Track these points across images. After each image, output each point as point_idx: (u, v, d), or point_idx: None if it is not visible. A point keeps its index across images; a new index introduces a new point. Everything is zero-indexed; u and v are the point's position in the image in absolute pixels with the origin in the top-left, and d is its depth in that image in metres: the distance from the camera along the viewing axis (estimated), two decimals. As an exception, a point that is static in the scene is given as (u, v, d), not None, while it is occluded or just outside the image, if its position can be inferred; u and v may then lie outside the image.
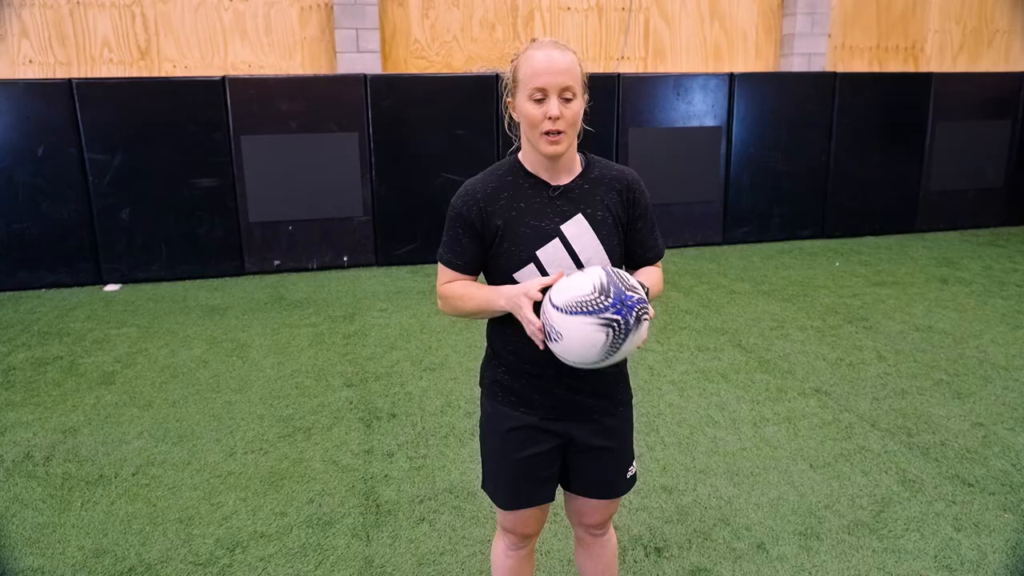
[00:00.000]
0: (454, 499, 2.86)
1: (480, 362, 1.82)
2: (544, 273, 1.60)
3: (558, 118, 1.52)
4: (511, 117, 1.65)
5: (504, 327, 1.68)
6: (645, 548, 2.53)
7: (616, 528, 2.64)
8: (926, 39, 8.72)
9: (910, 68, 8.75)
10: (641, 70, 8.00)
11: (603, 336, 1.40)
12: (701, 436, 3.37)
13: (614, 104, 7.13)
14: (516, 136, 1.68)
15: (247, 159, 6.40)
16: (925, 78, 7.92)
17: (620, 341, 1.41)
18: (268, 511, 2.81)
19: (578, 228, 1.61)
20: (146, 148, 6.19)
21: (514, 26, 7.54)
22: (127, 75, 6.76)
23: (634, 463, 1.82)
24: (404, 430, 3.48)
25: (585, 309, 1.39)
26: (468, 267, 1.67)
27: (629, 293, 1.41)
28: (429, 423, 3.55)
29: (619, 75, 7.12)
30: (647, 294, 1.51)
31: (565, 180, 1.64)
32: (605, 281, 1.41)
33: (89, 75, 6.68)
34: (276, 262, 6.68)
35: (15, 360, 4.50)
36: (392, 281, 6.40)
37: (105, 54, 6.71)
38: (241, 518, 2.76)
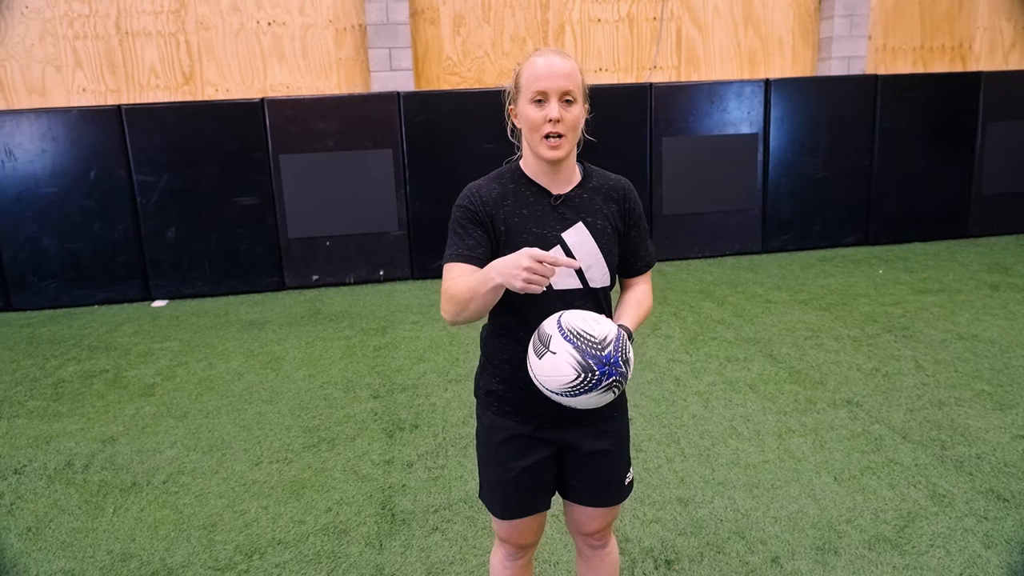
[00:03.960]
0: (468, 509, 2.88)
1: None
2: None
3: (558, 120, 1.54)
4: (513, 125, 1.68)
5: (499, 335, 1.70)
6: (655, 560, 2.50)
7: (627, 540, 2.62)
8: (974, 37, 8.43)
9: (958, 68, 8.46)
10: (674, 79, 7.95)
11: (612, 394, 1.47)
12: (723, 448, 3.32)
13: (647, 114, 7.10)
14: (517, 144, 1.71)
15: (285, 177, 6.59)
16: (974, 77, 7.65)
17: (626, 381, 1.48)
18: (287, 519, 2.88)
19: (579, 236, 1.63)
20: (190, 169, 6.45)
21: (545, 40, 7.60)
22: (173, 100, 7.06)
23: (631, 470, 1.81)
24: (425, 441, 3.52)
25: (584, 389, 1.43)
26: (481, 260, 1.58)
27: (607, 351, 1.43)
28: (450, 434, 3.58)
29: (651, 85, 7.09)
30: (630, 334, 1.56)
31: (565, 189, 1.66)
32: (581, 357, 1.42)
33: (137, 101, 7.01)
34: (314, 277, 6.84)
35: (65, 373, 4.73)
36: (426, 294, 6.48)
37: (152, 80, 7.03)
38: (261, 525, 2.84)
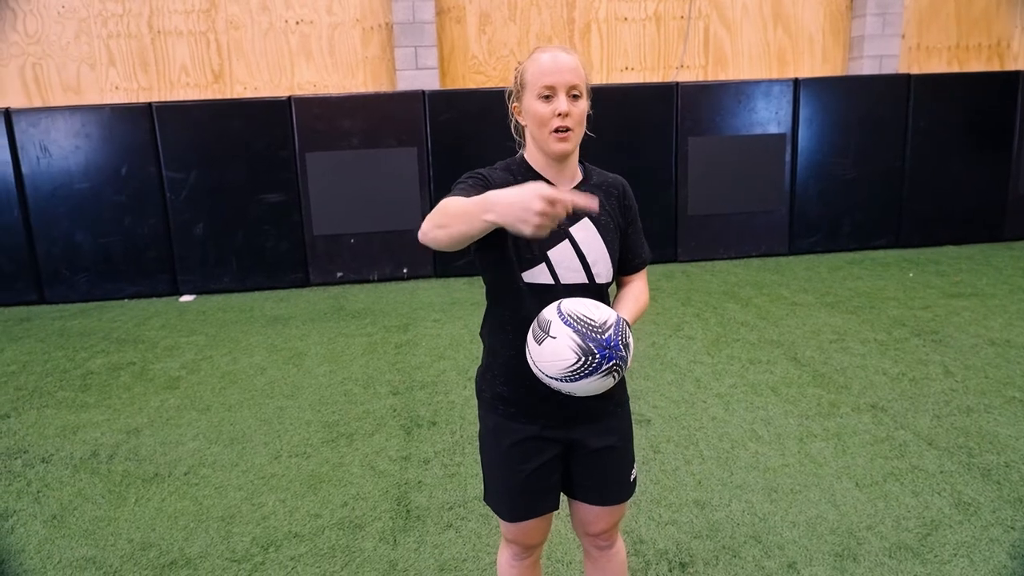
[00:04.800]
0: (482, 507, 2.87)
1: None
2: (553, 274, 1.60)
3: (567, 114, 1.54)
4: (516, 122, 1.69)
5: (504, 330, 1.67)
6: (669, 563, 2.48)
7: (641, 541, 2.60)
8: (1012, 35, 8.21)
9: (995, 67, 8.25)
10: (701, 78, 7.87)
11: (611, 379, 1.46)
12: (742, 451, 3.27)
13: (673, 114, 7.04)
14: (520, 141, 1.71)
15: (311, 175, 6.66)
16: (1012, 76, 7.45)
17: (626, 365, 1.47)
18: (304, 512, 2.90)
19: (585, 232, 1.63)
20: (218, 166, 6.55)
21: (571, 38, 7.57)
22: (202, 98, 7.16)
23: (634, 467, 1.80)
24: (443, 437, 3.53)
25: (584, 373, 1.43)
26: None
27: (608, 335, 1.43)
28: (468, 431, 3.59)
29: (677, 84, 7.03)
30: (628, 323, 1.54)
31: (570, 184, 1.67)
32: (581, 341, 1.41)
33: (168, 99, 7.13)
34: (339, 274, 6.90)
35: (93, 365, 4.83)
36: (448, 292, 6.50)
37: (183, 78, 7.15)
38: (278, 518, 2.87)
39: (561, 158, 1.61)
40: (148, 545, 2.71)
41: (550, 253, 1.60)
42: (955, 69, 8.18)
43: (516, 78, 1.65)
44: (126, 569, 2.57)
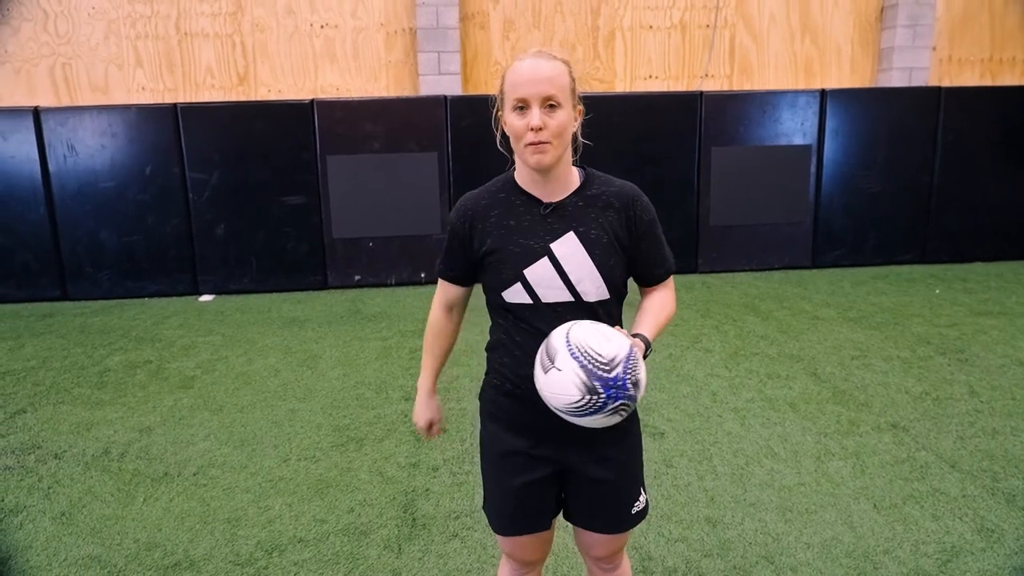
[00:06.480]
0: (489, 517, 2.83)
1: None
2: (532, 293, 1.55)
3: (540, 128, 1.47)
4: (503, 132, 1.60)
5: (494, 348, 1.67)
6: (678, 582, 2.42)
7: (650, 558, 2.54)
8: (1048, 49, 8.03)
9: (1030, 81, 8.07)
10: (726, 88, 7.79)
11: (619, 416, 1.42)
12: (757, 468, 3.20)
13: (696, 123, 6.98)
14: (508, 154, 1.64)
15: (332, 178, 6.69)
16: (1046, 91, 7.29)
17: (634, 403, 1.42)
18: (310, 517, 2.88)
19: (568, 247, 1.55)
20: (241, 167, 6.60)
21: (595, 46, 7.54)
22: (227, 99, 7.23)
23: (642, 497, 1.72)
24: (452, 445, 3.50)
25: (589, 411, 1.39)
26: (459, 279, 1.72)
27: (615, 373, 1.36)
28: (477, 440, 3.54)
29: (701, 93, 6.96)
30: (648, 342, 1.52)
31: (559, 197, 1.58)
32: (586, 378, 1.36)
33: (193, 100, 7.20)
34: (357, 277, 6.92)
35: (111, 363, 4.87)
36: (465, 298, 6.47)
37: (208, 80, 7.23)
38: (284, 522, 2.85)
39: (541, 171, 1.54)
40: (153, 545, 2.71)
41: (526, 272, 1.55)
42: (987, 82, 8.01)
43: (500, 85, 1.56)
44: (130, 569, 2.56)
